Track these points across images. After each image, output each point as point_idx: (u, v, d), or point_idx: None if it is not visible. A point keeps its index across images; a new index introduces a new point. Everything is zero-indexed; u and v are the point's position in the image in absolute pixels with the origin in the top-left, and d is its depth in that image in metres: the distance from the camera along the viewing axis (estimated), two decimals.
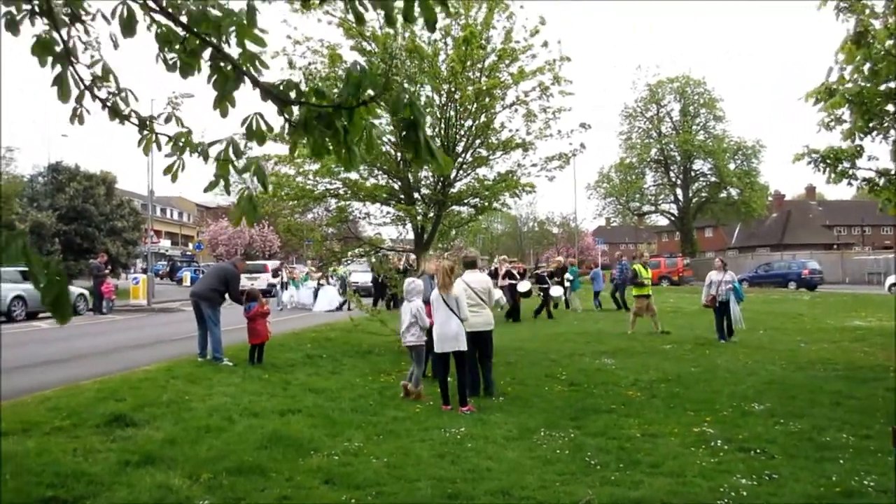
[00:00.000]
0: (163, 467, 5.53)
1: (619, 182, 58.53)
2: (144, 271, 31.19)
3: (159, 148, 3.81)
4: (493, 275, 19.38)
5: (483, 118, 12.64)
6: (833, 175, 10.44)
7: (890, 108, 10.14)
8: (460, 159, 13.06)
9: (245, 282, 32.72)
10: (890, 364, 10.62)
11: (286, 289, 27.20)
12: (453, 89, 12.18)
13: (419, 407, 8.10)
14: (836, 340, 13.99)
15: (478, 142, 13.13)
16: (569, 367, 10.81)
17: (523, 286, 19.94)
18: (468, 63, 11.92)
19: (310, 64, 12.32)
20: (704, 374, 10.09)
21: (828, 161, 10.28)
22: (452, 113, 12.63)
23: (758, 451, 6.10)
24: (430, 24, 3.01)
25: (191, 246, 69.12)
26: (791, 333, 15.25)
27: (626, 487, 5.21)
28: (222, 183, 3.50)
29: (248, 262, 39.08)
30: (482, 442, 6.54)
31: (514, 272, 20.43)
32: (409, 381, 8.77)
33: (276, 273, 28.14)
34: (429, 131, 8.47)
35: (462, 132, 12.96)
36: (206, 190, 3.69)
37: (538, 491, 5.15)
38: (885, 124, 10.21)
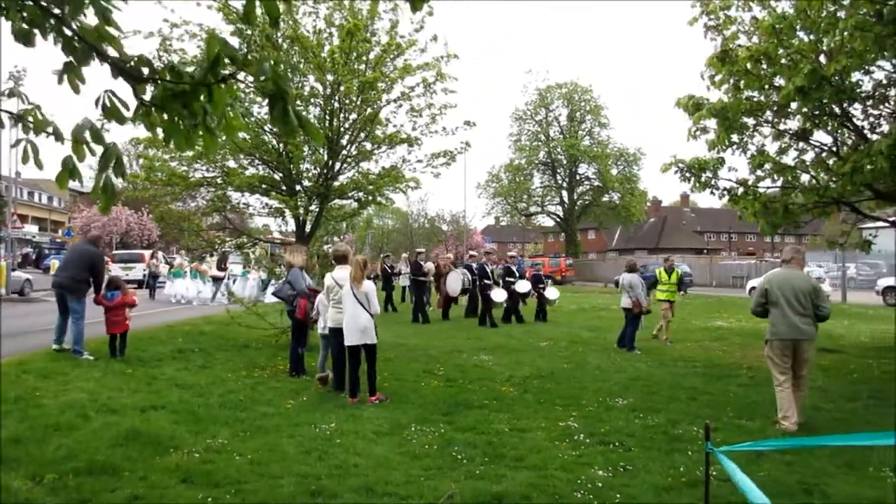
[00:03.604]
0: (2, 468, 5.14)
1: (508, 182, 59.99)
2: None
3: (0, 125, 3.53)
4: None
5: (368, 111, 12.53)
6: (697, 184, 11.10)
7: (750, 121, 10.88)
8: (344, 152, 12.91)
9: (120, 272, 30.66)
10: (744, 362, 11.40)
11: (161, 279, 25.82)
12: (337, 81, 12.00)
13: (291, 403, 7.92)
14: (699, 339, 14.87)
15: (363, 135, 13.03)
16: (447, 364, 10.91)
17: (522, 286, 18.52)
18: (353, 55, 11.78)
19: (165, 40, 11.74)
20: (575, 371, 10.47)
21: (692, 171, 10.91)
22: (337, 105, 12.45)
23: (617, 444, 6.37)
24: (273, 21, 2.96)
25: (60, 232, 64.75)
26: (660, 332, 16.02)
27: (489, 481, 5.30)
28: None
29: (124, 251, 36.90)
30: (352, 437, 6.48)
31: (513, 269, 18.73)
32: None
33: (221, 265, 24.05)
34: (314, 123, 8.32)
35: (346, 125, 12.80)
36: (57, 179, 3.32)
37: (403, 486, 5.15)
38: (744, 139, 10.95)
